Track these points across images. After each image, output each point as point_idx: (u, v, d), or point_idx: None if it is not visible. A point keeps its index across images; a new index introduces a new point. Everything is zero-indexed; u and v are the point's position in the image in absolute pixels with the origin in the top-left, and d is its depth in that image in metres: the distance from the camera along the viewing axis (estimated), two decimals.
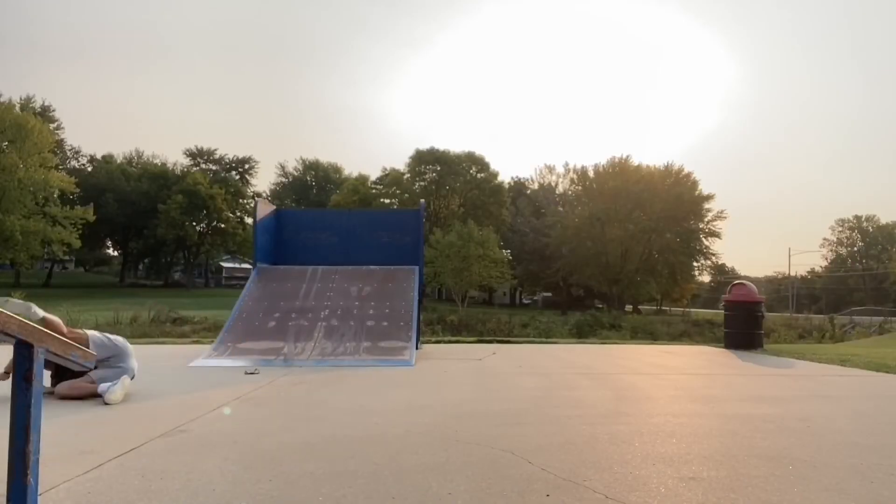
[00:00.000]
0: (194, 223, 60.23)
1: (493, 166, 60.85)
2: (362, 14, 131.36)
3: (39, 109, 51.42)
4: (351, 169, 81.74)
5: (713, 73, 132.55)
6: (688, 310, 55.89)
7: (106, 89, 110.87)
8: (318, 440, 3.24)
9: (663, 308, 61.17)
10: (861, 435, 3.50)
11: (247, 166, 68.53)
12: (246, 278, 8.94)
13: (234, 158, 67.79)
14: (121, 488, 2.42)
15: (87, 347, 4.61)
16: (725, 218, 54.31)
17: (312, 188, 75.42)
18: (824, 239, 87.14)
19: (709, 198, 53.41)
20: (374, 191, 61.25)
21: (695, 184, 53.39)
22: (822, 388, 5.55)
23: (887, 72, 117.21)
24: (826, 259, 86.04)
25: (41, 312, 4.47)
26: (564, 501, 2.30)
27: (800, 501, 2.32)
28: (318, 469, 2.69)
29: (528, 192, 63.47)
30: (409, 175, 60.28)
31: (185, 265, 67.54)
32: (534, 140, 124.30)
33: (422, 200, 11.74)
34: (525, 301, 69.16)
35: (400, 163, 73.91)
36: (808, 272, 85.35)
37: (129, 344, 4.93)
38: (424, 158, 58.82)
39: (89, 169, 61.97)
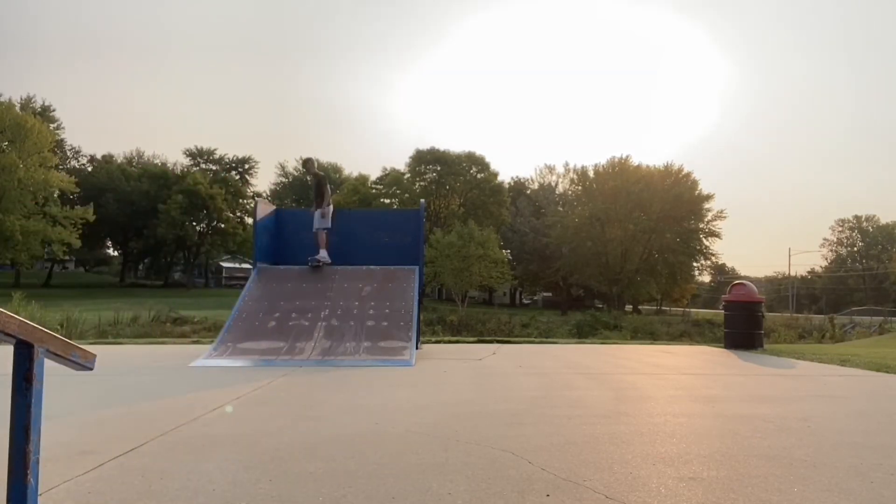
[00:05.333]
0: (194, 223, 60.19)
1: (493, 166, 60.85)
2: (363, 14, 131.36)
3: (39, 109, 51.38)
4: (351, 169, 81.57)
5: (713, 73, 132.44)
6: (688, 310, 55.86)
7: (106, 89, 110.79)
8: (318, 440, 3.24)
9: (663, 308, 61.12)
10: (861, 435, 3.50)
11: (247, 166, 68.50)
12: (246, 278, 8.94)
13: (234, 158, 67.76)
14: (121, 488, 2.42)
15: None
16: (725, 218, 54.35)
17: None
18: (824, 239, 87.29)
19: (708, 198, 53.44)
20: (374, 191, 61.21)
21: (694, 184, 53.38)
22: (822, 388, 5.55)
23: (887, 71, 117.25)
24: (826, 259, 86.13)
25: None
26: (564, 501, 2.30)
27: (800, 501, 2.32)
28: (318, 469, 2.69)
29: (528, 192, 63.45)
30: (409, 175, 60.27)
31: (185, 265, 67.51)
32: (534, 140, 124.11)
33: (422, 200, 11.72)
34: (525, 301, 69.14)
35: (400, 163, 73.88)
36: (808, 272, 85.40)
37: None
38: (424, 158, 58.81)
39: (89, 169, 61.95)
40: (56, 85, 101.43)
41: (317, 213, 9.11)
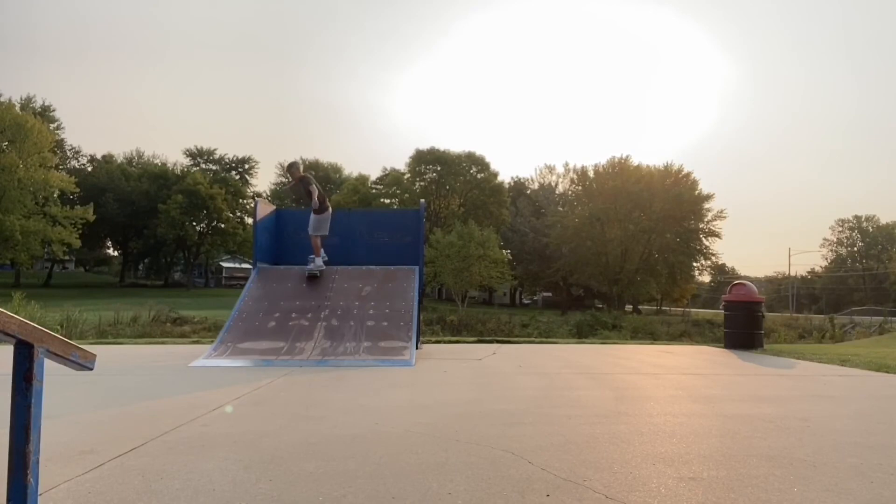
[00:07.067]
0: (194, 223, 60.16)
1: (493, 166, 60.88)
2: (363, 14, 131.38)
3: (39, 109, 51.37)
4: (351, 169, 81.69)
5: (712, 72, 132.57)
6: (688, 310, 55.79)
7: (106, 89, 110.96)
8: (318, 440, 3.24)
9: (663, 308, 61.07)
10: (861, 435, 3.49)
11: (247, 166, 68.46)
12: (246, 278, 8.93)
13: (234, 158, 67.74)
14: (121, 488, 2.42)
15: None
16: (725, 218, 54.30)
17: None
18: (824, 239, 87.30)
19: (708, 197, 53.41)
20: (374, 191, 61.21)
21: (694, 183, 53.36)
22: (823, 388, 5.54)
23: (887, 71, 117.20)
24: (826, 259, 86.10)
25: None
26: (564, 501, 2.30)
27: (800, 501, 2.32)
28: (318, 469, 2.69)
29: (528, 192, 63.46)
30: (409, 175, 60.26)
31: (185, 265, 67.51)
32: (534, 140, 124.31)
33: (422, 200, 11.72)
34: (525, 301, 69.10)
35: (400, 163, 73.95)
36: (808, 272, 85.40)
37: None
38: (424, 158, 58.80)
39: (89, 169, 61.93)
40: (56, 85, 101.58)
41: (311, 219, 8.57)
